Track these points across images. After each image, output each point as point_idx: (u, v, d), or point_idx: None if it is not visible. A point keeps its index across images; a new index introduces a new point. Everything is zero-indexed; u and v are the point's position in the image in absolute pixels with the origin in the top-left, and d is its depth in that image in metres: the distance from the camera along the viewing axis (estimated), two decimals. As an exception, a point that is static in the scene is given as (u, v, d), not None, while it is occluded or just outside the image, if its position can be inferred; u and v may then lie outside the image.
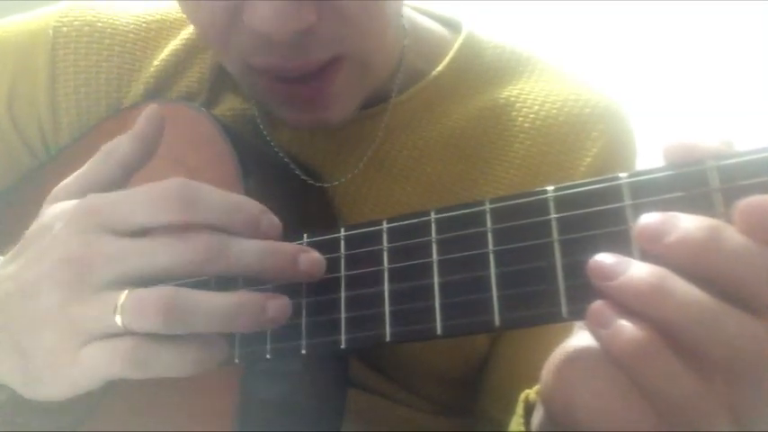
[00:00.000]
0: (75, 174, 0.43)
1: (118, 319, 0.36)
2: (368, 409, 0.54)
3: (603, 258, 0.30)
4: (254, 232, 0.38)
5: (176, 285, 0.37)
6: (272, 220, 0.39)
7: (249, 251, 0.37)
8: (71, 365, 0.37)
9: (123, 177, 0.42)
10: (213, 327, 0.36)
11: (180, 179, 0.38)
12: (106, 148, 0.42)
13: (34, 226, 0.42)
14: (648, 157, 0.62)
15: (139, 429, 0.46)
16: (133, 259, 0.37)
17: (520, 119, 0.58)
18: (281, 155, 0.56)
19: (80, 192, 0.41)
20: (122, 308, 0.36)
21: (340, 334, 0.37)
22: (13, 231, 0.49)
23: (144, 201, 0.37)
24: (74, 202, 0.40)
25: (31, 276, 0.39)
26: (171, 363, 0.37)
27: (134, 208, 0.38)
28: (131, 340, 0.36)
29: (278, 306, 0.37)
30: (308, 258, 0.38)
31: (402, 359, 0.56)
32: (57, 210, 0.41)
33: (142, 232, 0.38)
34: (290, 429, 0.45)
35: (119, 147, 0.42)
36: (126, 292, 0.36)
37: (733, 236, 0.28)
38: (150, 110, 0.42)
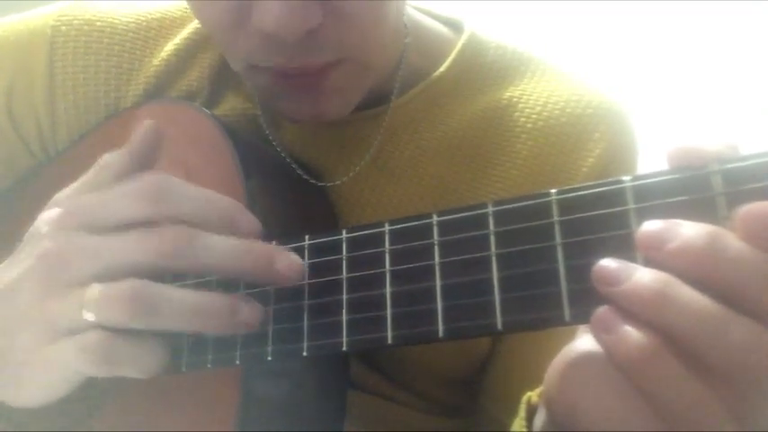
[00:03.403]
0: (71, 186, 0.43)
1: (87, 314, 0.36)
2: (369, 410, 0.54)
3: (608, 264, 0.30)
4: (231, 230, 0.38)
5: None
6: (250, 219, 0.39)
7: (221, 247, 0.37)
8: (43, 365, 0.38)
9: None
10: (181, 323, 0.36)
11: (155, 175, 0.38)
12: (101, 161, 0.43)
13: (27, 233, 0.42)
14: (650, 158, 0.62)
15: (140, 430, 0.45)
16: (104, 254, 0.37)
17: (522, 119, 0.58)
18: (282, 154, 0.56)
19: None
20: (91, 301, 0.36)
21: (341, 336, 0.37)
22: (12, 234, 0.49)
23: (117, 197, 0.38)
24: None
25: (14, 275, 0.39)
26: (135, 360, 0.37)
27: (109, 205, 0.38)
28: (97, 334, 0.36)
29: (250, 310, 0.37)
30: (286, 260, 0.37)
31: (403, 360, 0.56)
32: (46, 215, 0.41)
33: (121, 229, 0.38)
34: (291, 430, 0.45)
35: (113, 161, 0.42)
36: (95, 285, 0.36)
37: (733, 243, 0.28)
38: (146, 125, 0.43)
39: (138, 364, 0.37)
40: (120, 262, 0.37)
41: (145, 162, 0.43)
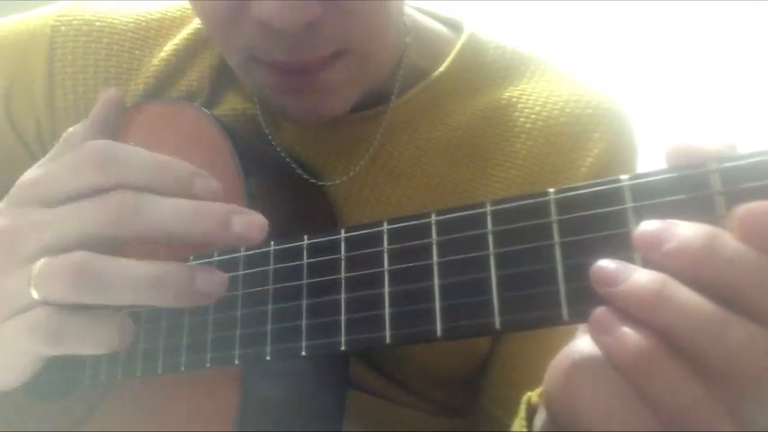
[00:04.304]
0: (38, 162, 0.42)
1: (33, 291, 0.35)
2: (368, 410, 0.54)
3: (606, 264, 0.30)
4: (187, 194, 0.36)
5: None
6: (207, 183, 0.36)
7: (170, 210, 0.35)
8: None
9: None
10: (130, 297, 0.34)
11: (100, 140, 0.36)
12: (65, 135, 0.42)
13: None
14: (649, 158, 0.62)
15: (140, 430, 0.45)
16: (50, 227, 0.36)
17: (521, 119, 0.58)
18: (282, 154, 0.56)
19: None
20: (36, 277, 0.35)
21: (340, 336, 0.36)
22: None
23: (65, 167, 0.36)
24: None
25: None
26: (87, 336, 0.35)
27: (55, 176, 0.36)
28: (44, 311, 0.35)
29: (210, 279, 0.35)
30: (244, 220, 0.35)
31: (402, 360, 0.56)
32: (9, 194, 0.40)
33: (72, 201, 0.36)
34: (290, 430, 0.45)
35: (75, 132, 0.42)
36: (41, 260, 0.35)
37: (731, 243, 0.27)
38: (107, 94, 0.42)
39: (91, 340, 0.35)
40: (66, 234, 0.35)
41: (105, 131, 0.41)
